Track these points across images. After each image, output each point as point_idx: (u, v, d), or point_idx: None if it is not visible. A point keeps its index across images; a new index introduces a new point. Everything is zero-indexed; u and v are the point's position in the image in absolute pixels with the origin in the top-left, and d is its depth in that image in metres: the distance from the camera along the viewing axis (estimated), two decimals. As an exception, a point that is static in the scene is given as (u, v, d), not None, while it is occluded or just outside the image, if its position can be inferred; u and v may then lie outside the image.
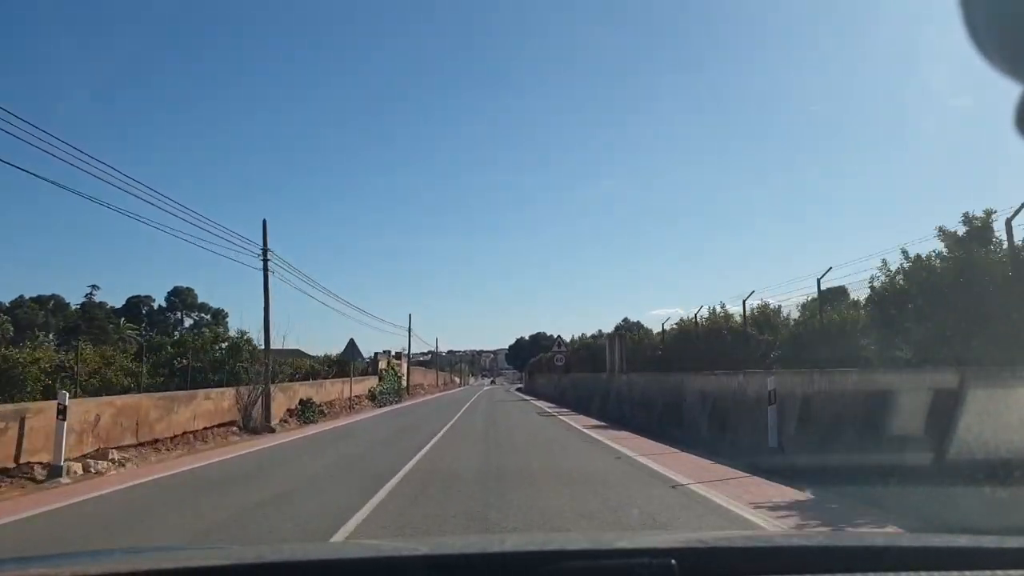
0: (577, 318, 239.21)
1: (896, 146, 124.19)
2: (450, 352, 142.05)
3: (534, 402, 37.21)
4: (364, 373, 36.12)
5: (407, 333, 52.12)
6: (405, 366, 50.33)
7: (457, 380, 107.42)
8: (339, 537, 6.10)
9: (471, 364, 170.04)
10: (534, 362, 63.42)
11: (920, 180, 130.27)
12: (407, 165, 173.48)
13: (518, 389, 71.83)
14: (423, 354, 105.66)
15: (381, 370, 39.33)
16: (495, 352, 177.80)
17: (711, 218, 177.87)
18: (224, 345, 22.80)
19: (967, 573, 1.45)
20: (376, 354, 41.44)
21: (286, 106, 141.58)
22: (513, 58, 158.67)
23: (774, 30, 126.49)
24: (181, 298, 70.86)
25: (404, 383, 46.49)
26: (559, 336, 44.59)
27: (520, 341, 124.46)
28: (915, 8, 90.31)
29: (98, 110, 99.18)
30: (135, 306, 70.35)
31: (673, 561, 1.46)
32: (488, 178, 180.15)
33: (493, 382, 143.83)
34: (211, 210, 36.07)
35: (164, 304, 72.61)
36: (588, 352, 34.14)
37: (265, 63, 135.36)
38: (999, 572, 1.45)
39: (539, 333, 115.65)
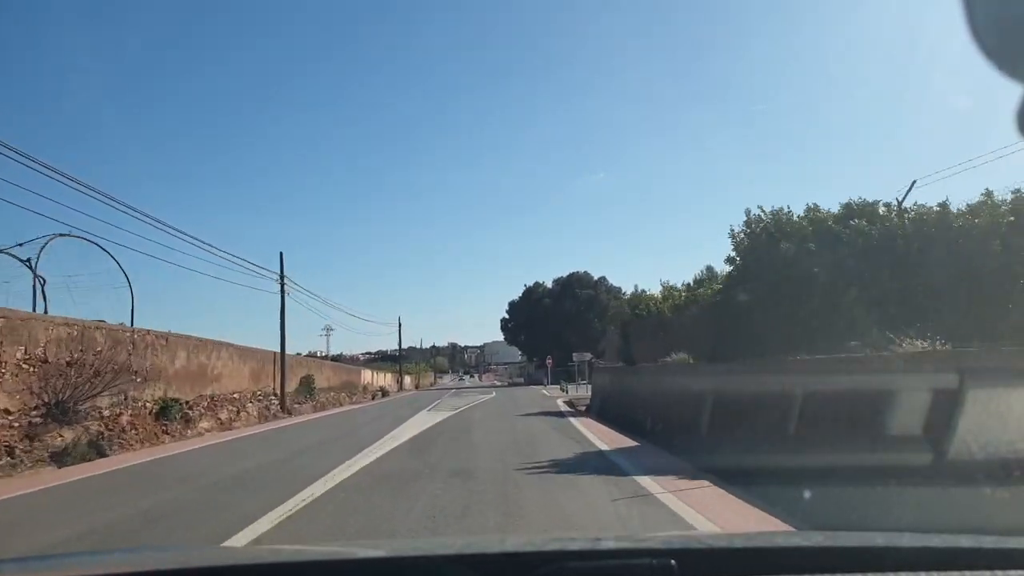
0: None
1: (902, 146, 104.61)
2: (433, 347, 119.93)
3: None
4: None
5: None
6: None
7: (389, 382, 58.13)
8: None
9: (451, 360, 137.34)
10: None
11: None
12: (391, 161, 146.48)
13: (567, 405, 24.66)
14: (403, 350, 74.11)
15: None
16: (481, 347, 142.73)
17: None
18: None
19: (967, 573, 1.44)
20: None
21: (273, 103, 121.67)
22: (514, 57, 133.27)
23: (769, 24, 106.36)
24: None
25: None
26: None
27: (535, 291, 65.99)
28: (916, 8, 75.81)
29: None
30: None
31: (673, 562, 1.43)
32: (479, 173, 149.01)
33: (468, 374, 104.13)
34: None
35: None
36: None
37: (256, 62, 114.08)
38: (999, 572, 1.43)
39: (573, 274, 65.07)
